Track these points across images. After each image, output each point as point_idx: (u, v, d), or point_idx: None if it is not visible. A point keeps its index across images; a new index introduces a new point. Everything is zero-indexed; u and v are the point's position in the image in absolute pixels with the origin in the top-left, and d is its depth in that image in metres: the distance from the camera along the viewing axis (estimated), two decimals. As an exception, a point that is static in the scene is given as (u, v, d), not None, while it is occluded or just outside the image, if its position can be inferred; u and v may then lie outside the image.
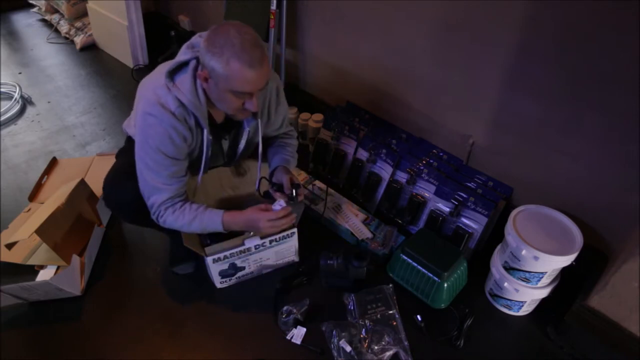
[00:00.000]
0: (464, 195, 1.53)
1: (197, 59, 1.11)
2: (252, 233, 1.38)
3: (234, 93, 1.07)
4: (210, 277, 1.45)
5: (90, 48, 3.02)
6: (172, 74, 1.11)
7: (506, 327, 1.38)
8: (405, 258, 1.43)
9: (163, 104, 1.10)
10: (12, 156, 2.08)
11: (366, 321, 1.31)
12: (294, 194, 1.30)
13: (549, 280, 1.31)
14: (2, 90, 2.49)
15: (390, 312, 1.34)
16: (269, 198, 1.36)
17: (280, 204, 1.27)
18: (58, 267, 1.50)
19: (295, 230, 1.42)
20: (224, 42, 1.00)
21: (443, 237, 1.54)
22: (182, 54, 1.13)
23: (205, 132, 1.19)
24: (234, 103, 1.10)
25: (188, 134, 1.16)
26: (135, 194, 1.23)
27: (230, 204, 1.44)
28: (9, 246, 1.48)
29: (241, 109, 1.13)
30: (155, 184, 1.19)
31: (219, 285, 1.46)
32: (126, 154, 1.32)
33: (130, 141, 1.34)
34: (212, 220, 1.24)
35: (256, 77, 1.04)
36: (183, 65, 1.12)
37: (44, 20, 3.35)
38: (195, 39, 1.15)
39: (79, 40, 2.99)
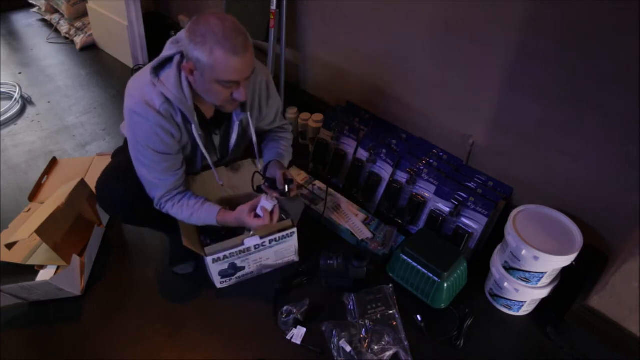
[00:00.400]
0: (464, 195, 1.53)
1: (182, 53, 1.10)
2: (251, 232, 1.39)
3: (221, 83, 1.06)
4: (210, 277, 1.45)
5: (90, 48, 3.02)
6: (157, 70, 1.11)
7: (506, 327, 1.38)
8: (405, 258, 1.43)
9: (148, 102, 1.10)
10: (12, 156, 2.08)
11: (366, 321, 1.31)
12: (287, 189, 1.29)
13: (549, 280, 1.31)
14: (2, 90, 2.49)
15: (390, 312, 1.34)
16: (262, 193, 1.35)
17: (259, 212, 1.27)
18: (58, 267, 1.50)
19: (294, 229, 1.42)
20: (206, 30, 0.99)
21: (443, 237, 1.54)
22: (167, 50, 1.13)
23: (194, 127, 1.18)
24: (221, 94, 1.09)
25: (175, 130, 1.16)
26: (127, 193, 1.24)
27: (230, 203, 1.44)
28: (9, 246, 1.48)
29: (230, 100, 1.12)
30: (151, 179, 1.20)
31: (219, 285, 1.46)
32: (121, 154, 1.32)
33: (126, 142, 1.34)
34: (208, 218, 1.28)
35: (241, 64, 1.03)
36: (168, 60, 1.12)
37: (44, 20, 3.35)
38: (180, 34, 1.14)
39: (79, 40, 2.99)
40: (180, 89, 1.11)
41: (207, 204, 1.29)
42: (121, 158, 1.31)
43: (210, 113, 1.26)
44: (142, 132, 1.13)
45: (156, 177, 1.20)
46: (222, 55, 1.00)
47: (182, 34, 1.13)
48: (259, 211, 1.29)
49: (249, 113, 1.28)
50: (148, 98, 1.10)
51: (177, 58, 1.11)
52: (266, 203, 1.28)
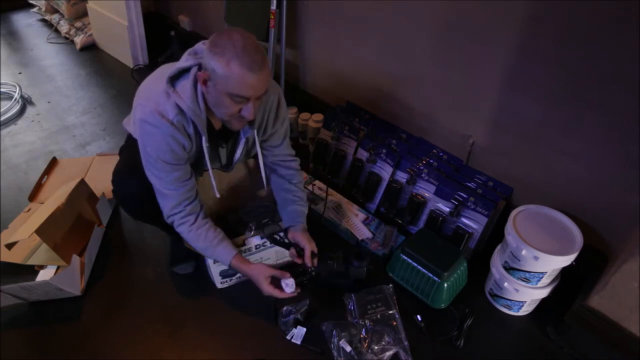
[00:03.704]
0: (464, 195, 1.53)
1: (199, 65, 1.10)
2: (252, 232, 1.39)
3: (232, 96, 1.06)
4: (210, 278, 1.45)
5: (90, 48, 3.02)
6: (172, 80, 1.11)
7: (506, 327, 1.38)
8: (405, 258, 1.43)
9: (161, 113, 1.09)
10: (12, 156, 2.08)
11: (366, 321, 1.31)
12: (312, 271, 1.32)
13: (549, 280, 1.31)
14: (2, 90, 2.48)
15: (390, 312, 1.34)
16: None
17: (289, 286, 1.27)
18: (58, 267, 1.50)
19: (295, 230, 1.42)
20: (226, 43, 1.00)
21: (443, 237, 1.54)
22: (184, 61, 1.12)
23: (204, 139, 1.18)
24: (230, 108, 1.09)
25: (187, 142, 1.16)
26: (139, 189, 1.23)
27: (229, 202, 1.44)
28: (9, 246, 1.48)
29: (237, 116, 1.12)
30: (161, 189, 1.20)
31: (219, 286, 1.46)
32: (128, 151, 1.32)
33: (130, 138, 1.34)
34: (222, 258, 1.28)
35: (255, 81, 1.03)
36: (184, 71, 1.12)
37: (44, 20, 3.35)
38: (198, 46, 1.14)
39: (79, 40, 2.99)
40: (196, 101, 1.11)
41: (224, 243, 1.28)
42: (130, 154, 1.29)
43: (218, 125, 1.26)
44: (153, 142, 1.12)
45: (166, 188, 1.19)
46: (238, 69, 1.01)
47: (200, 47, 1.13)
48: (284, 287, 1.28)
49: (255, 131, 1.28)
50: (161, 109, 1.09)
51: (194, 70, 1.10)
52: (288, 286, 1.28)
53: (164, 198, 1.22)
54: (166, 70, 1.18)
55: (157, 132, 1.11)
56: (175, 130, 1.11)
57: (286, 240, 1.37)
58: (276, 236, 1.37)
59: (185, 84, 1.10)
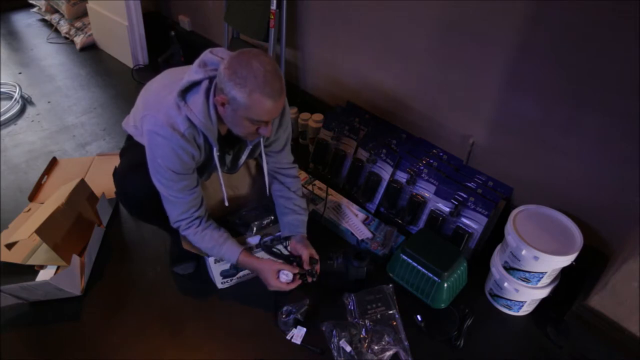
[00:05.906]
0: (464, 195, 1.53)
1: (210, 79, 1.11)
2: (253, 232, 1.39)
3: (251, 120, 1.09)
4: (211, 278, 1.45)
5: (90, 48, 3.02)
6: (184, 93, 1.11)
7: (506, 327, 1.38)
8: (405, 258, 1.43)
9: (173, 126, 1.10)
10: (12, 156, 2.08)
11: (366, 321, 1.31)
12: (313, 270, 1.32)
13: (549, 280, 1.31)
14: (2, 90, 2.48)
15: (390, 312, 1.35)
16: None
17: (287, 275, 1.28)
18: (58, 267, 1.50)
19: (295, 230, 1.42)
20: (247, 73, 1.01)
21: (443, 237, 1.54)
22: (194, 73, 1.12)
23: (215, 149, 1.19)
24: (248, 128, 1.12)
25: (196, 152, 1.17)
26: (142, 189, 1.23)
27: (230, 203, 1.44)
28: (9, 246, 1.48)
29: (253, 133, 1.15)
30: (169, 196, 1.21)
31: (220, 286, 1.46)
32: (130, 152, 1.32)
33: (130, 140, 1.34)
34: (228, 256, 1.28)
35: (275, 107, 1.07)
36: (195, 84, 1.11)
37: (44, 20, 3.35)
38: (207, 56, 1.13)
39: (79, 40, 2.99)
40: (208, 116, 1.11)
41: (230, 241, 1.29)
42: (133, 155, 1.29)
43: (225, 130, 1.26)
44: (163, 154, 1.13)
45: (173, 196, 1.20)
46: (259, 99, 1.03)
47: (209, 57, 1.13)
48: (281, 278, 1.29)
49: (262, 138, 1.28)
50: (172, 121, 1.10)
51: (205, 84, 1.10)
52: (285, 276, 1.29)
53: (171, 205, 1.23)
54: (172, 76, 1.18)
55: (168, 143, 1.11)
56: (186, 142, 1.12)
57: (285, 253, 1.38)
58: (275, 249, 1.37)
59: (197, 99, 1.10)
